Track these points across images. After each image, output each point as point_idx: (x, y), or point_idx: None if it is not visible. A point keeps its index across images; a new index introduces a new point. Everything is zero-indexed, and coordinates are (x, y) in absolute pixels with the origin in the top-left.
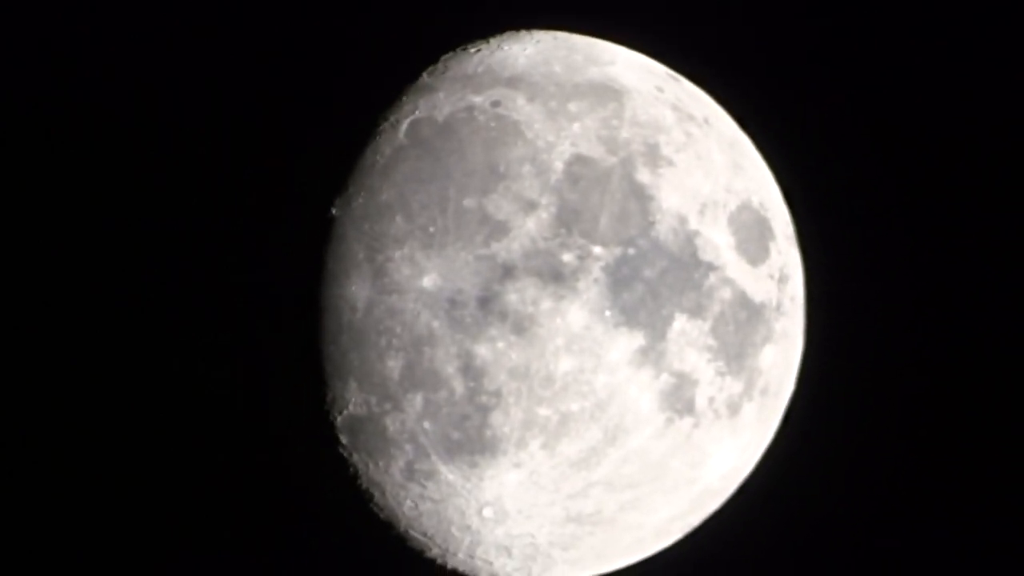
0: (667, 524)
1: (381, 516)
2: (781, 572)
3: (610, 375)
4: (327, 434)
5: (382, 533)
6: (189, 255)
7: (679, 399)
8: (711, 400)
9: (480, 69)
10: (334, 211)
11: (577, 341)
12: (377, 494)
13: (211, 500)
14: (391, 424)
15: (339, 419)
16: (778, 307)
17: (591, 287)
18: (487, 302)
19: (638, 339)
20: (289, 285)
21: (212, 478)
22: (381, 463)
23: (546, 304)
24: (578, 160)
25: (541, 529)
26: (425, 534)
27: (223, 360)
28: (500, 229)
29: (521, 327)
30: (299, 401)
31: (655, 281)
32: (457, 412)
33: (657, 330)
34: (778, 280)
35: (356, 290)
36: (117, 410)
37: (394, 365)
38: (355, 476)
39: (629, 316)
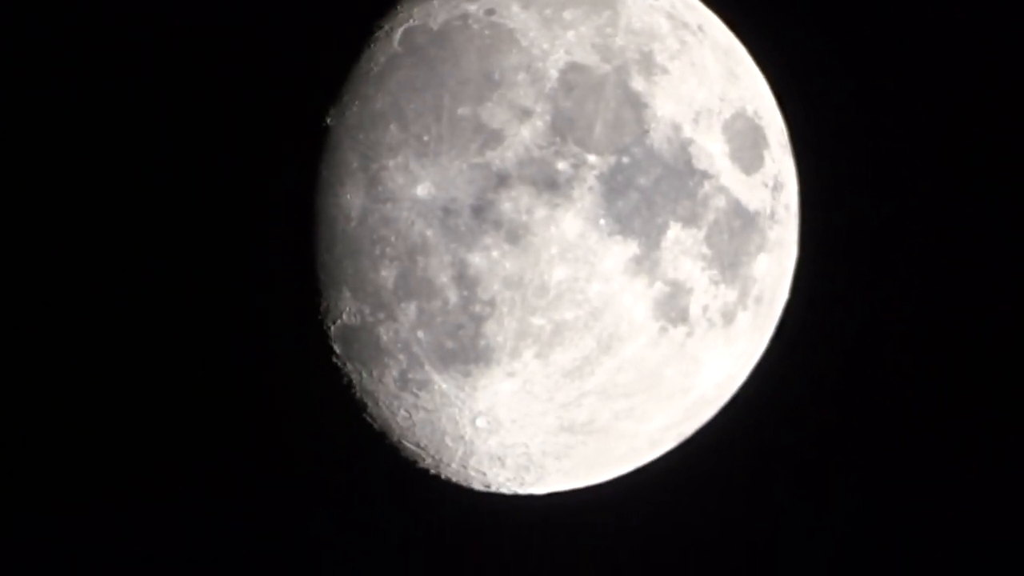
0: (661, 433)
1: (374, 426)
2: (774, 480)
3: (604, 284)
4: (321, 344)
5: (375, 443)
6: (183, 167)
7: (673, 308)
8: (705, 309)
9: None
10: (328, 120)
11: (571, 250)
12: (370, 404)
13: (203, 410)
14: (385, 333)
15: (333, 328)
16: (772, 215)
17: (585, 195)
18: (481, 211)
19: (632, 248)
20: (284, 194)
21: (203, 389)
22: (375, 373)
23: (540, 212)
24: (573, 68)
25: (534, 439)
26: (418, 444)
27: (216, 268)
28: (494, 137)
29: (515, 236)
30: (292, 310)
31: (650, 189)
32: (451, 321)
33: (651, 239)
34: (772, 188)
35: (350, 199)
36: (107, 325)
37: (388, 274)
38: (348, 386)
39: (623, 224)
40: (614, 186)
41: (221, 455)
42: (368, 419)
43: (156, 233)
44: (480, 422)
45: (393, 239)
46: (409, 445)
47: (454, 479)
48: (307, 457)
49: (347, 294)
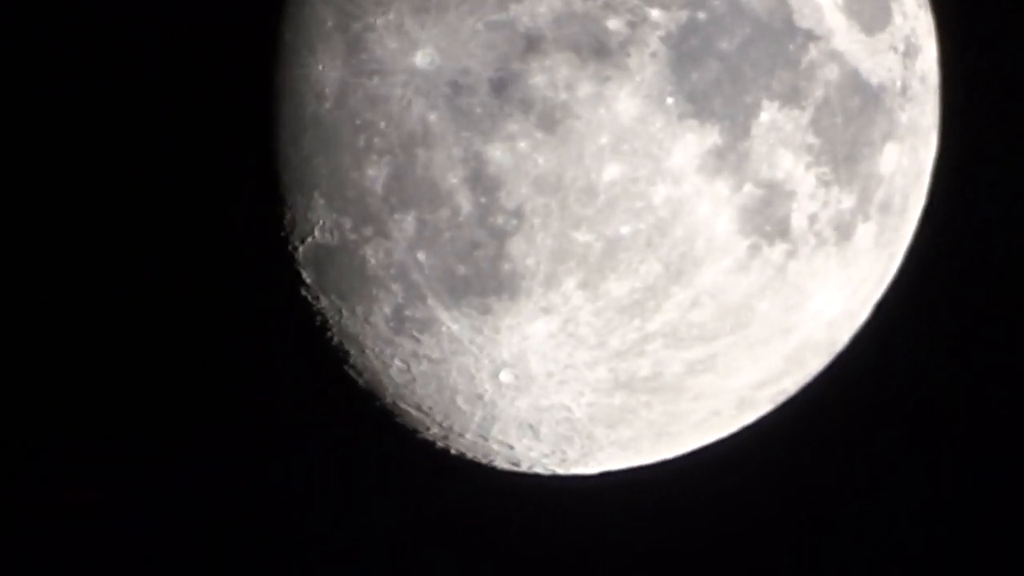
0: (753, 391)
1: (359, 383)
2: (910, 456)
3: (673, 186)
4: (285, 271)
5: (361, 405)
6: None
7: (768, 219)
8: (812, 219)
9: None
10: None
11: (628, 139)
12: (353, 352)
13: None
14: (372, 256)
15: (301, 250)
16: (904, 91)
17: (646, 65)
18: (504, 86)
19: (712, 136)
20: (235, 66)
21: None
22: (359, 310)
23: (585, 89)
24: None
25: (579, 399)
26: (420, 407)
27: (150, 163)
28: None
29: (551, 120)
30: (247, 225)
31: (735, 56)
32: (463, 238)
33: (738, 124)
34: (903, 54)
35: (324, 71)
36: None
37: (376, 175)
38: (323, 328)
39: (699, 105)
40: (686, 52)
41: (174, 423)
42: (351, 373)
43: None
44: (504, 376)
45: (383, 126)
46: (408, 409)
47: (469, 455)
48: (276, 422)
49: (320, 202)
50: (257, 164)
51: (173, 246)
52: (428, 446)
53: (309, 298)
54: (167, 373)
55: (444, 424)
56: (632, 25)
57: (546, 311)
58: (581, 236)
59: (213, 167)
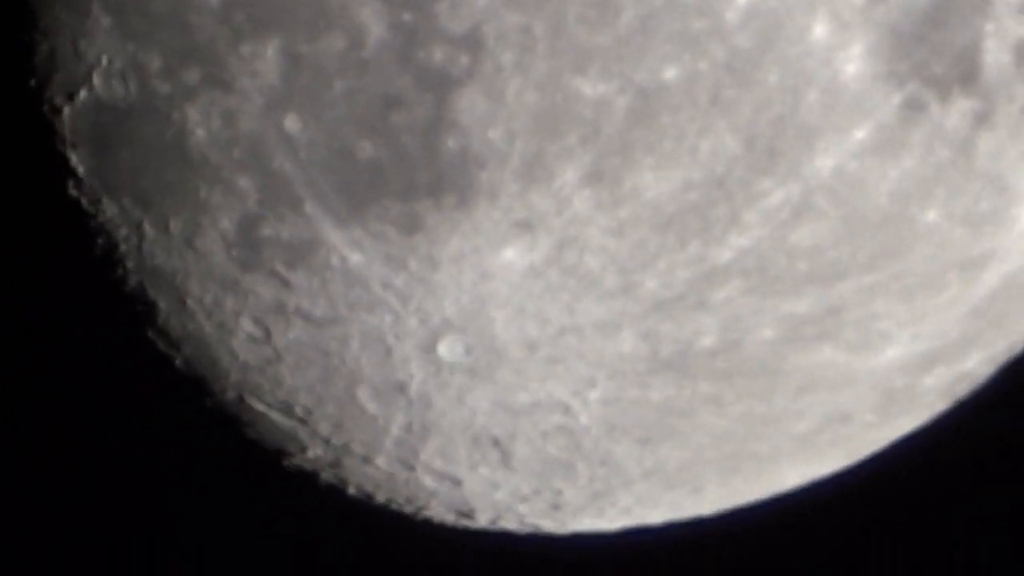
0: (910, 376)
1: (176, 361)
2: None
3: None
4: (38, 152)
5: (181, 402)
6: None
7: (938, 50)
8: (1021, 53)
9: None
10: None
11: None
12: (165, 305)
13: None
14: (200, 124)
15: (67, 112)
16: None
17: None
18: None
19: None
20: None
21: None
22: (175, 225)
23: None
24: None
25: (586, 392)
26: (289, 408)
27: None
28: None
29: None
30: None
31: None
32: (371, 90)
33: None
34: None
35: None
36: None
37: None
38: (108, 259)
39: None
40: None
41: None
42: (159, 343)
43: None
44: (447, 349)
45: None
46: (267, 410)
47: (381, 496)
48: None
49: (102, 20)
50: None
51: None
52: (305, 480)
53: (83, 203)
54: None
55: (335, 440)
56: None
57: (525, 227)
58: (589, 86)
59: None
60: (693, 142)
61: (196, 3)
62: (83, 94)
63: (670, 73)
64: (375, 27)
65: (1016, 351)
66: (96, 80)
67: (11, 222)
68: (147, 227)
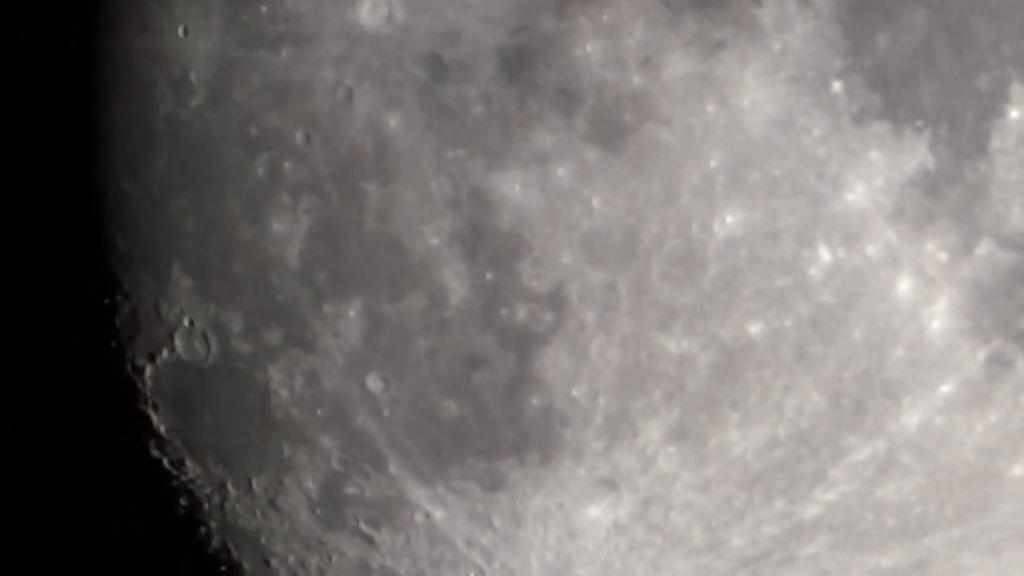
0: None
1: None
2: None
3: (847, 247)
4: (119, 411)
5: None
6: None
7: None
8: None
9: None
10: None
11: (759, 159)
12: (248, 564)
13: None
14: (282, 385)
15: (149, 373)
16: None
17: (793, 22)
18: (523, 62)
19: (917, 152)
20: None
21: None
22: (258, 484)
23: (678, 65)
24: None
25: None
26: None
27: None
28: None
29: (614, 125)
30: (53, 332)
31: (956, 6)
32: (454, 349)
33: (963, 129)
34: None
35: (189, 39)
36: None
37: (288, 231)
38: (191, 518)
39: (892, 94)
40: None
41: None
42: None
43: None
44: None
45: (299, 141)
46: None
47: None
48: None
49: (184, 282)
50: (69, 211)
51: None
52: None
53: (165, 463)
54: None
55: None
56: None
57: (609, 484)
58: (673, 343)
59: None
60: (778, 398)
61: (278, 264)
62: (164, 354)
63: (755, 329)
64: (458, 287)
65: None
66: (177, 341)
67: (96, 482)
68: (230, 487)
